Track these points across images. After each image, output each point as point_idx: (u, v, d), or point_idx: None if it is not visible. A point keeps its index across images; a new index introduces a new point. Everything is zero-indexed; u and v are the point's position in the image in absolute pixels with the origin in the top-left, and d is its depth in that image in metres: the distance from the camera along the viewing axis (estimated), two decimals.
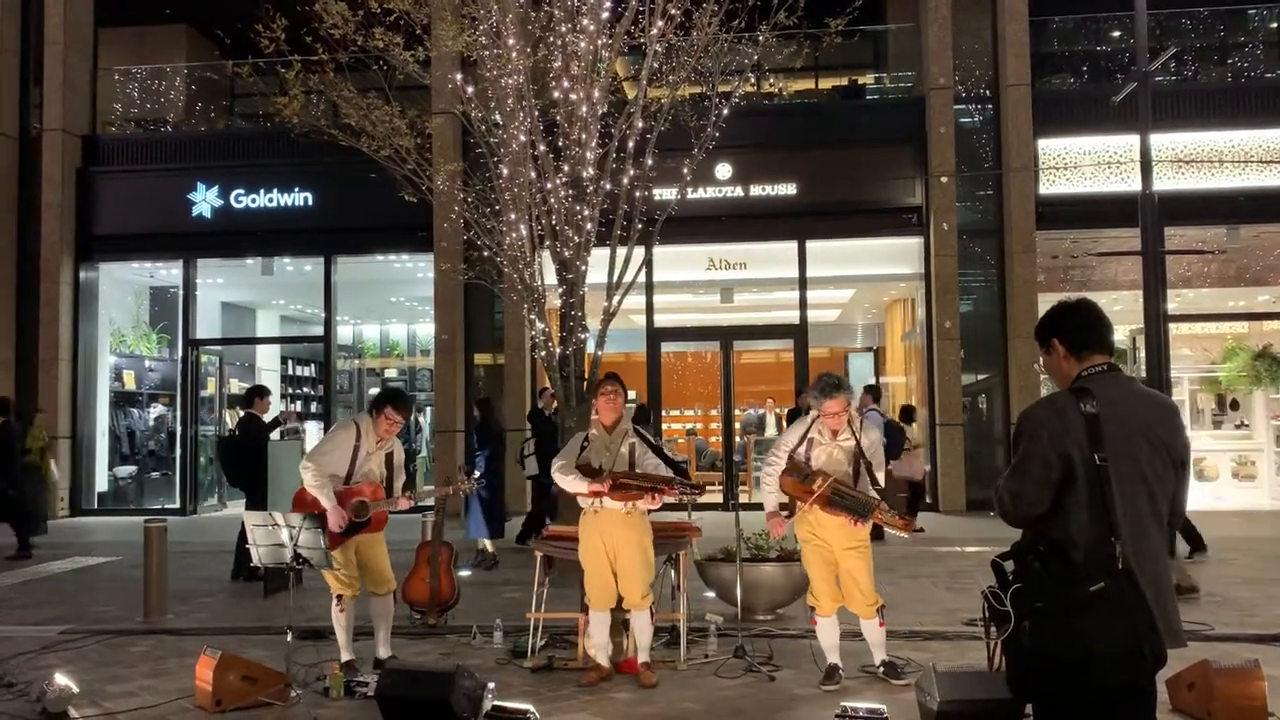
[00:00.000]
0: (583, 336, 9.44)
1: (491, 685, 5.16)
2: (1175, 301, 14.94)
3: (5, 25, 15.93)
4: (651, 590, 5.96)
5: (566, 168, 9.18)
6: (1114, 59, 15.28)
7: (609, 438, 5.93)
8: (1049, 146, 14.48)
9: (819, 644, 5.91)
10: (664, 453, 6.05)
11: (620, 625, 6.21)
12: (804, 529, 5.87)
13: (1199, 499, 13.55)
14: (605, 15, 9.03)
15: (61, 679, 5.39)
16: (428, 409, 17.97)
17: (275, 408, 11.02)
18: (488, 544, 10.34)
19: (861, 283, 16.87)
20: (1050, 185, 14.44)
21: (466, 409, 15.10)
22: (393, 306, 19.56)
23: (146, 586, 7.81)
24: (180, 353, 16.40)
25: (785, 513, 5.96)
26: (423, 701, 4.92)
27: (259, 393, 10.19)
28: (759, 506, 14.32)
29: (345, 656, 6.02)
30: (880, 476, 5.86)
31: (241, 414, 10.42)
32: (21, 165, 16.04)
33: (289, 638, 5.63)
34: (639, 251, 9.62)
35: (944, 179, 14.28)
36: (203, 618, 7.88)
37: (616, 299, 9.47)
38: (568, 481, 5.89)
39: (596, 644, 5.98)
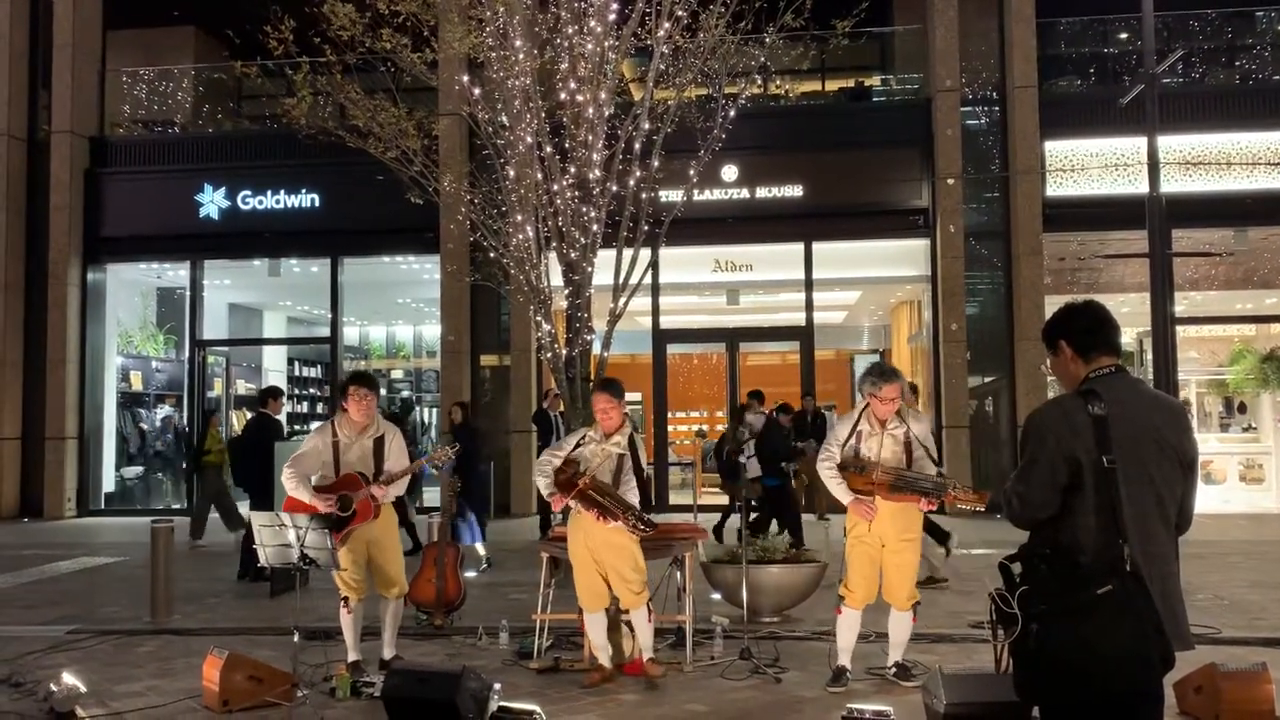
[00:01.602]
0: (589, 338, 9.45)
1: (497, 686, 5.17)
2: (1183, 304, 14.91)
3: (14, 27, 15.99)
4: (647, 588, 5.92)
5: (573, 169, 9.19)
6: (1121, 61, 15.24)
7: (604, 444, 5.92)
8: (1056, 148, 14.45)
9: (835, 643, 5.86)
10: (643, 475, 6.04)
11: (624, 626, 6.21)
12: (855, 523, 5.82)
13: (1206, 502, 13.52)
14: (612, 17, 9.05)
15: (69, 678, 5.41)
16: (433, 410, 18.01)
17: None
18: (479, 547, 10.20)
19: (867, 285, 16.86)
20: (1057, 187, 14.41)
21: (473, 410, 15.11)
22: (399, 308, 19.59)
23: (153, 587, 7.83)
24: (187, 353, 16.44)
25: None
26: (429, 702, 4.92)
27: (273, 394, 10.20)
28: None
29: (352, 657, 6.03)
30: (933, 461, 5.81)
31: (249, 415, 10.44)
32: (30, 167, 16.09)
33: (295, 638, 5.63)
34: (645, 253, 9.63)
35: (950, 181, 14.26)
36: (209, 618, 7.90)
37: (622, 300, 9.48)
38: (541, 483, 5.98)
39: (595, 645, 5.98)
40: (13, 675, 6.02)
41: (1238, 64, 15.63)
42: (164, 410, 17.13)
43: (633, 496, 5.85)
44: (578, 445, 5.97)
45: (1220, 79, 15.31)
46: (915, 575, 5.81)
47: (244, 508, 11.09)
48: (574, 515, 5.94)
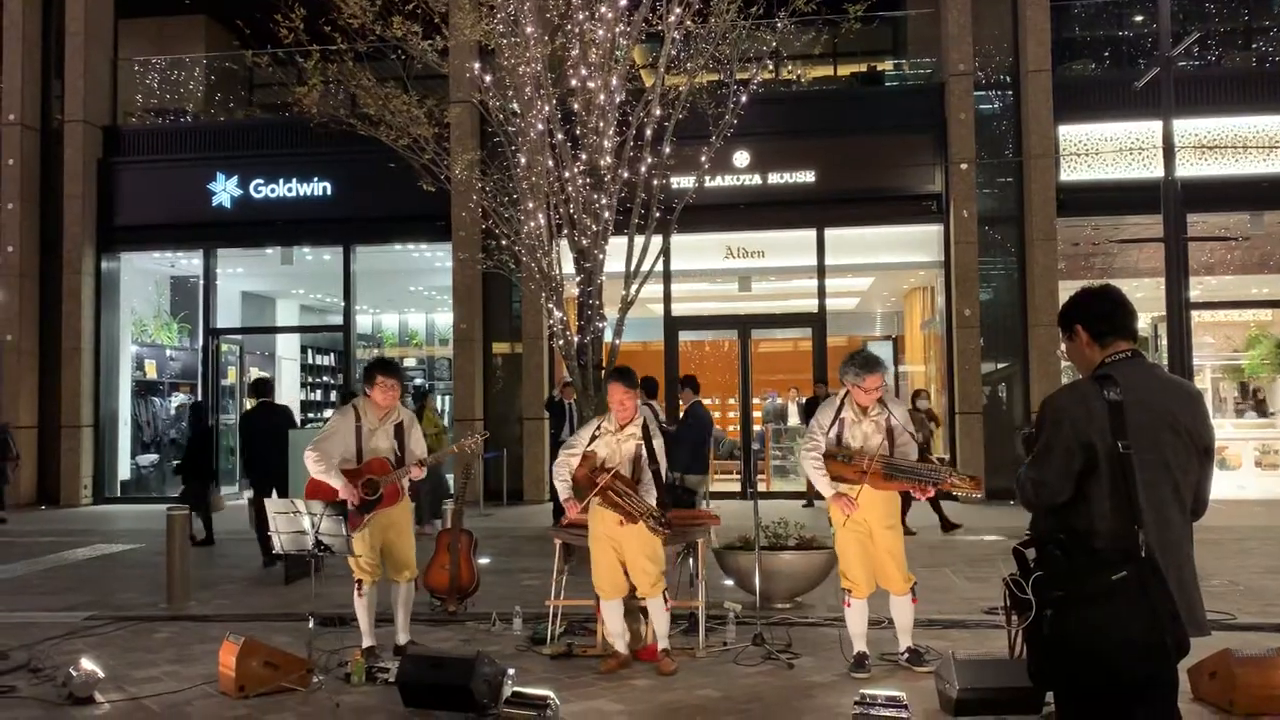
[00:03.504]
0: (600, 325, 9.46)
1: (511, 672, 5.20)
2: (1197, 289, 14.82)
3: (27, 17, 16.03)
4: (664, 577, 5.92)
5: (584, 156, 9.18)
6: (1136, 44, 15.11)
7: (620, 435, 5.91)
8: (1070, 133, 14.35)
9: (847, 631, 5.86)
10: (657, 465, 5.93)
11: (639, 612, 6.23)
12: (841, 511, 5.77)
13: (1221, 487, 13.46)
14: (623, 2, 9.02)
15: (87, 664, 5.46)
16: (447, 398, 18.06)
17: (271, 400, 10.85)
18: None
19: (880, 271, 16.80)
20: (1071, 172, 14.32)
21: (485, 397, 15.17)
22: (411, 296, 19.63)
23: (169, 573, 7.89)
24: (201, 342, 16.53)
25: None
26: (444, 687, 4.95)
27: (266, 384, 10.31)
28: (777, 495, 14.36)
29: (367, 642, 6.06)
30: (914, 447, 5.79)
31: (253, 403, 10.46)
32: (43, 156, 16.16)
33: (311, 624, 5.67)
34: (657, 240, 9.61)
35: (964, 166, 14.19)
36: (225, 604, 7.95)
37: (634, 287, 9.47)
38: (560, 487, 6.02)
39: (613, 632, 5.99)
40: (31, 661, 6.08)
41: (1254, 46, 15.47)
42: (178, 398, 17.22)
43: (651, 493, 5.83)
44: (593, 438, 5.96)
45: (1237, 62, 15.15)
46: (904, 557, 5.79)
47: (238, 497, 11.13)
48: (593, 505, 5.92)
